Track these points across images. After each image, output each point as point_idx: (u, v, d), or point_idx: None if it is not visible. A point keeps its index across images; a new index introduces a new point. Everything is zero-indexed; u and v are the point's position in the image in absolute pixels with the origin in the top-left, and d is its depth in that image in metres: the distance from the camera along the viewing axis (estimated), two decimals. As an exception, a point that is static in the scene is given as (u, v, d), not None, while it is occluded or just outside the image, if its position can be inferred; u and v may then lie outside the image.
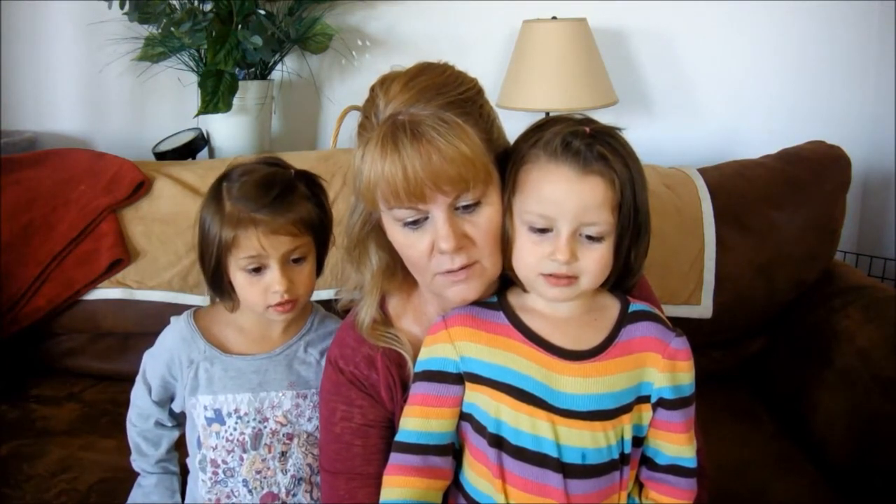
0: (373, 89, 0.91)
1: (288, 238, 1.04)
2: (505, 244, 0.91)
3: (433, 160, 0.83)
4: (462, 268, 0.89)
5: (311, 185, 1.10)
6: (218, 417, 1.10)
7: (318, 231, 1.10)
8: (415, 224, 0.89)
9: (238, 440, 1.10)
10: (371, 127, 0.88)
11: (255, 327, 1.14)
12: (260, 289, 1.06)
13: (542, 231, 0.87)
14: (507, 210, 0.90)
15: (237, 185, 1.05)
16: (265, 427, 1.11)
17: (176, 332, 1.15)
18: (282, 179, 1.06)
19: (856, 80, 2.12)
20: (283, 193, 1.04)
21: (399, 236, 0.91)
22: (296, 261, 1.07)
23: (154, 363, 1.16)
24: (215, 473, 1.11)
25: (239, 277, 1.07)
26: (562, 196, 0.85)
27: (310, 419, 1.13)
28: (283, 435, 1.11)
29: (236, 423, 1.10)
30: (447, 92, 0.88)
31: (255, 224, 1.03)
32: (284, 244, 1.04)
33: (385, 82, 0.90)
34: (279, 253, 1.04)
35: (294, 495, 1.12)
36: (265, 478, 1.11)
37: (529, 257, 0.88)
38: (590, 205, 0.85)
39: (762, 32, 2.12)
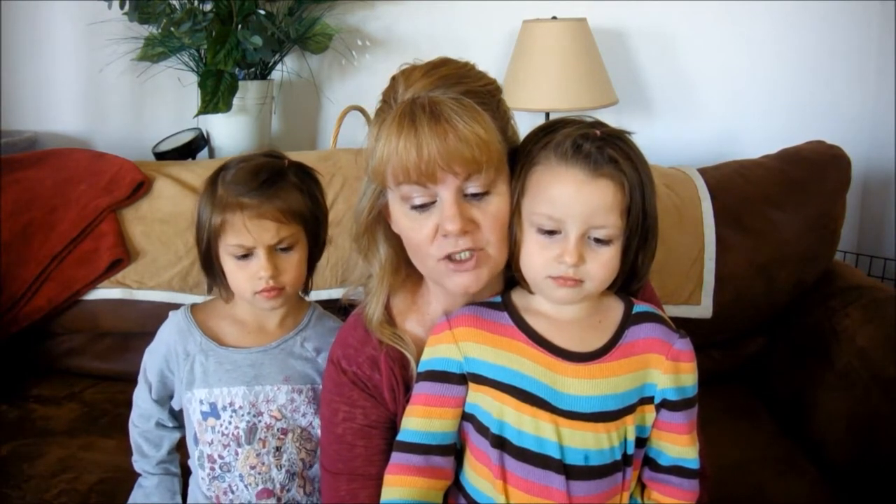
0: (393, 78, 0.92)
1: (274, 224, 1.05)
2: (513, 245, 0.91)
3: (449, 140, 0.83)
4: (466, 252, 0.88)
5: (303, 177, 1.11)
6: (213, 411, 1.11)
7: (309, 223, 1.10)
8: (422, 208, 0.89)
9: (233, 434, 1.11)
10: (388, 110, 0.89)
11: (251, 320, 1.15)
12: (247, 274, 1.07)
13: (551, 233, 0.87)
14: (515, 211, 0.90)
15: (231, 172, 1.08)
16: (259, 421, 1.11)
17: (173, 325, 1.16)
18: (272, 168, 1.08)
19: (856, 80, 2.12)
20: (270, 180, 1.06)
21: (404, 220, 0.91)
22: (284, 250, 1.08)
23: (152, 358, 1.17)
24: (213, 469, 1.12)
25: (228, 263, 1.08)
26: (571, 198, 0.85)
27: (304, 414, 1.13)
28: (278, 430, 1.12)
29: (231, 416, 1.11)
30: (467, 82, 0.88)
31: (242, 208, 1.04)
32: (270, 230, 1.05)
33: (406, 70, 0.91)
34: (265, 240, 1.06)
35: (288, 490, 1.13)
36: (259, 473, 1.11)
37: (537, 259, 0.88)
38: (599, 208, 0.85)
39: (762, 32, 2.12)
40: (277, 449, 1.12)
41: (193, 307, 1.18)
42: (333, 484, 1.01)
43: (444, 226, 0.87)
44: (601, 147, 0.85)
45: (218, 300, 1.16)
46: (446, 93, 0.86)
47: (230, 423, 1.11)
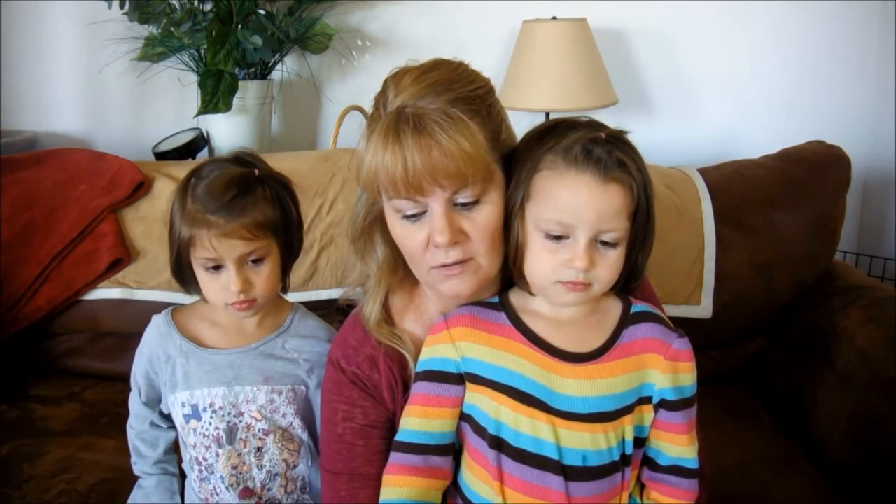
0: (385, 81, 0.91)
1: (241, 242, 1.04)
2: (515, 249, 0.90)
3: (433, 154, 0.83)
4: (456, 263, 0.89)
5: (274, 187, 1.09)
6: (195, 413, 1.11)
7: (280, 233, 1.09)
8: (414, 217, 0.89)
9: (213, 435, 1.11)
10: (379, 117, 0.89)
11: (229, 321, 1.15)
12: (218, 286, 1.07)
13: (558, 238, 0.86)
14: (518, 216, 0.89)
15: (201, 184, 1.06)
16: (240, 421, 1.11)
17: (154, 328, 1.16)
18: (240, 181, 1.05)
19: (856, 79, 2.12)
20: (238, 196, 1.04)
21: (398, 227, 0.91)
22: (255, 262, 1.07)
23: (139, 361, 1.18)
24: (200, 471, 1.12)
25: (200, 273, 1.08)
26: (582, 204, 0.84)
27: (284, 415, 1.13)
28: (259, 430, 1.12)
29: (211, 417, 1.11)
30: (457, 88, 0.88)
31: (208, 226, 1.03)
32: (237, 247, 1.04)
33: (397, 75, 0.90)
34: (233, 255, 1.05)
35: (269, 490, 1.13)
36: (241, 473, 1.11)
37: (545, 265, 0.87)
38: (609, 212, 0.85)
39: (762, 32, 2.12)
40: (258, 449, 1.12)
41: (174, 310, 1.17)
42: (333, 484, 1.01)
43: (434, 238, 0.87)
44: (611, 151, 0.85)
45: (199, 303, 1.16)
46: (434, 101, 0.86)
47: (210, 423, 1.11)
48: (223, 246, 1.04)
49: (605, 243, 0.86)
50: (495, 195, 0.89)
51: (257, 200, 1.06)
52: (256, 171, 1.08)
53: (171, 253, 1.09)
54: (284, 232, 1.10)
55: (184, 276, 1.11)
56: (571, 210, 0.85)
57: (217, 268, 1.06)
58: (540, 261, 0.88)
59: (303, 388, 1.14)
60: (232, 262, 1.05)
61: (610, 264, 0.87)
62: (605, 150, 0.85)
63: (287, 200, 1.11)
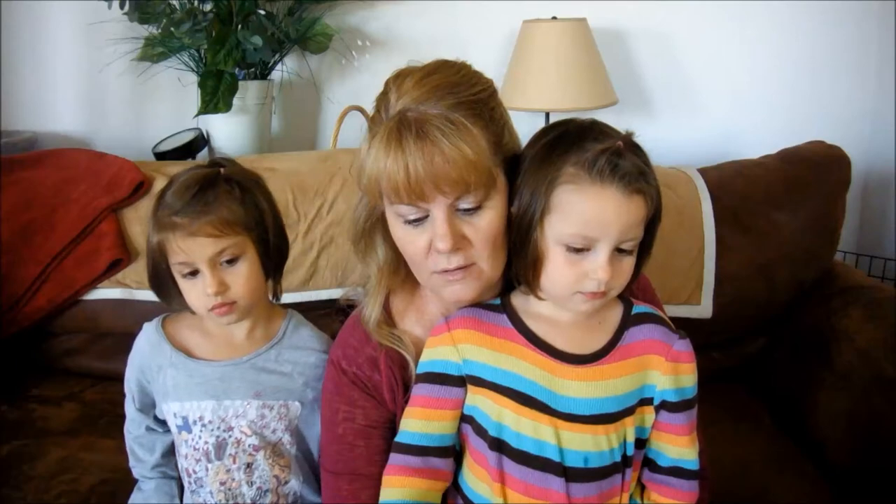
0: (387, 83, 0.91)
1: (209, 240, 1.02)
2: (534, 263, 0.88)
3: (435, 161, 0.83)
4: (458, 268, 0.89)
5: (241, 184, 1.06)
6: (185, 425, 1.09)
7: (254, 230, 1.06)
8: (416, 222, 0.89)
9: (202, 449, 1.09)
10: (380, 121, 0.88)
11: (219, 332, 1.12)
12: (197, 292, 1.05)
13: (579, 250, 0.86)
14: (537, 230, 0.87)
15: (169, 190, 1.05)
16: (229, 436, 1.09)
17: (144, 337, 1.14)
18: (202, 180, 1.03)
19: (855, 79, 2.12)
20: (199, 193, 1.02)
21: (399, 232, 0.91)
22: (229, 262, 1.04)
23: (130, 369, 1.16)
24: (189, 483, 1.11)
25: (180, 282, 1.06)
26: (609, 218, 0.84)
27: (274, 431, 1.11)
28: (249, 446, 1.09)
29: (201, 431, 1.09)
30: (459, 92, 0.87)
31: (174, 228, 1.01)
32: (206, 246, 1.02)
33: (399, 77, 0.89)
34: (204, 256, 1.02)
35: None
36: (230, 489, 1.09)
37: (567, 277, 0.87)
38: (632, 223, 0.85)
39: (762, 32, 2.12)
40: (248, 465, 1.09)
41: (165, 319, 1.16)
42: (335, 484, 1.01)
43: (436, 244, 0.87)
44: (634, 162, 0.84)
45: (188, 312, 1.12)
46: (436, 106, 0.85)
47: (200, 437, 1.09)
48: (190, 246, 1.02)
49: (620, 251, 0.86)
50: (497, 200, 0.89)
51: (220, 196, 1.03)
52: (221, 170, 1.06)
53: (147, 264, 1.08)
54: (259, 229, 1.07)
55: (161, 287, 1.08)
56: (597, 224, 0.84)
57: (194, 273, 1.04)
58: (561, 273, 0.87)
59: (296, 403, 1.11)
60: (204, 264, 1.03)
61: (625, 271, 0.87)
62: (630, 162, 0.84)
63: (258, 197, 1.08)
